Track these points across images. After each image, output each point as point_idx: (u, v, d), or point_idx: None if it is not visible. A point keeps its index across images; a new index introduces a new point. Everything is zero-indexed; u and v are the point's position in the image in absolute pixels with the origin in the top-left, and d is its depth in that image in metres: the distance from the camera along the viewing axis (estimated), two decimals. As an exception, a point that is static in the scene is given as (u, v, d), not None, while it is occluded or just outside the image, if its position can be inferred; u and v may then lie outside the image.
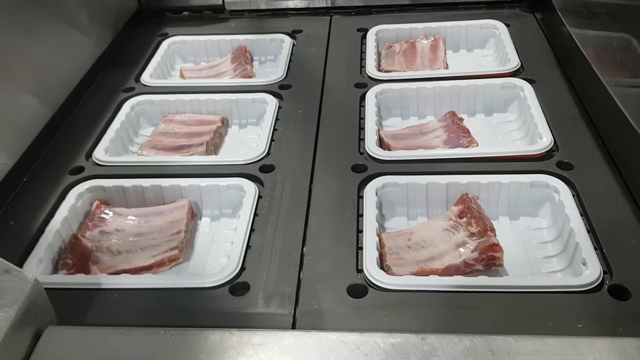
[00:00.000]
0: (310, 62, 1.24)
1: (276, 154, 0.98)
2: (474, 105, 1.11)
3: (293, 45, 1.31)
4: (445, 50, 1.26)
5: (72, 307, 0.73)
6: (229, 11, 1.45)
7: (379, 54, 1.27)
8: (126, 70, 1.24)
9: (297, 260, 0.79)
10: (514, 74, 1.13)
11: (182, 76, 1.27)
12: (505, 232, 0.86)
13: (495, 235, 0.80)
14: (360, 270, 0.76)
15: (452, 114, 1.06)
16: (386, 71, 1.20)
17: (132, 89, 1.18)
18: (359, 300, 0.72)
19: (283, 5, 1.44)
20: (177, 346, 0.59)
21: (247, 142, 1.09)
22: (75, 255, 0.83)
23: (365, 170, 0.93)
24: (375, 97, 1.09)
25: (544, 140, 0.95)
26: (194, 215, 0.92)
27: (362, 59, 1.23)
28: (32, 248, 0.82)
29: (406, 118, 1.13)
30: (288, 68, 1.22)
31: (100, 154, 0.99)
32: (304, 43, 1.31)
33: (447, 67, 1.21)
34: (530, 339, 0.57)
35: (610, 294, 0.71)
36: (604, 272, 0.73)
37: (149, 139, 1.08)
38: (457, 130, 1.02)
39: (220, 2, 1.44)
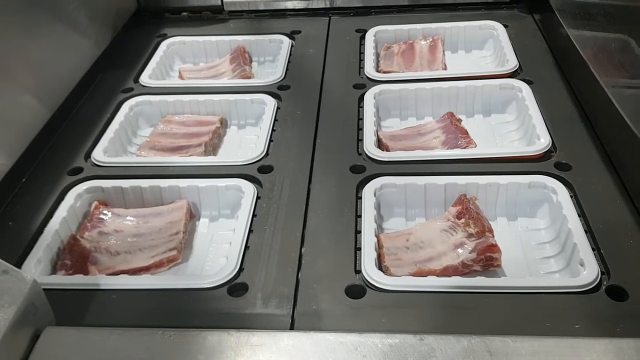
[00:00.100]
0: (309, 63, 1.24)
1: (275, 155, 0.98)
2: (472, 106, 1.12)
3: (292, 46, 1.31)
4: (443, 51, 1.26)
5: (70, 308, 0.73)
6: (227, 12, 1.46)
7: (377, 55, 1.27)
8: (125, 71, 1.24)
9: (295, 261, 0.79)
10: (512, 75, 1.14)
11: (181, 77, 1.27)
12: (503, 232, 0.87)
13: (493, 236, 0.80)
14: (358, 271, 0.76)
15: (451, 114, 1.07)
16: (385, 72, 1.20)
17: (131, 89, 1.18)
18: (357, 301, 0.72)
19: (282, 6, 1.44)
20: (175, 347, 0.59)
21: (246, 143, 1.09)
22: (74, 255, 0.83)
23: (364, 171, 0.93)
24: (374, 98, 1.09)
25: (542, 141, 0.95)
26: (192, 216, 0.92)
27: (361, 59, 1.24)
28: (31, 249, 0.82)
29: (404, 119, 1.13)
30: (287, 69, 1.22)
31: (99, 154, 0.99)
32: (303, 44, 1.32)
33: (445, 68, 1.21)
34: (528, 340, 0.57)
35: (607, 294, 0.71)
36: (602, 273, 0.74)
37: (148, 139, 1.08)
38: (456, 131, 1.02)
39: (219, 3, 1.44)
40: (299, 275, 0.77)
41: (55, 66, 1.09)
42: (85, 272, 0.82)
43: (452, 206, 0.88)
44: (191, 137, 1.06)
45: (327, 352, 0.57)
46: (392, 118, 1.13)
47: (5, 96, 0.93)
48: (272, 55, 1.32)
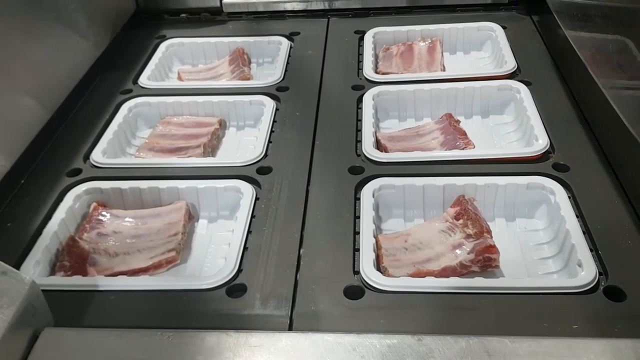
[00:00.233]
0: (307, 64, 1.24)
1: (273, 156, 0.98)
2: (471, 107, 1.12)
3: (290, 47, 1.31)
4: (442, 53, 1.26)
5: (69, 309, 0.73)
6: (226, 13, 1.46)
7: (376, 56, 1.28)
8: (124, 72, 1.24)
9: (294, 261, 0.79)
10: (510, 76, 1.14)
11: (179, 78, 1.27)
12: (501, 233, 0.87)
13: (491, 237, 0.80)
14: (357, 272, 0.77)
15: (449, 116, 1.07)
16: (383, 73, 1.20)
17: (130, 91, 1.18)
18: (355, 301, 0.73)
19: (281, 7, 1.45)
20: (174, 348, 0.59)
21: (245, 144, 1.09)
22: (73, 257, 0.83)
23: (362, 172, 0.93)
24: (373, 99, 1.09)
25: (540, 142, 0.95)
26: (191, 217, 0.92)
27: (360, 61, 1.24)
28: (30, 250, 0.82)
29: (403, 120, 1.13)
30: (285, 70, 1.22)
31: (97, 156, 0.99)
32: (302, 45, 1.32)
33: (444, 70, 1.22)
34: (526, 340, 0.57)
35: (605, 295, 0.71)
36: (600, 274, 0.74)
37: (147, 141, 1.08)
38: (454, 132, 1.02)
39: (218, 4, 1.44)
40: (298, 276, 0.77)
41: (54, 67, 1.09)
42: (84, 273, 0.82)
43: (451, 207, 0.88)
44: (190, 139, 1.06)
45: (326, 352, 0.57)
46: (390, 119, 1.13)
47: (4, 97, 0.93)
48: (271, 56, 1.33)
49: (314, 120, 1.07)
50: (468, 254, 0.80)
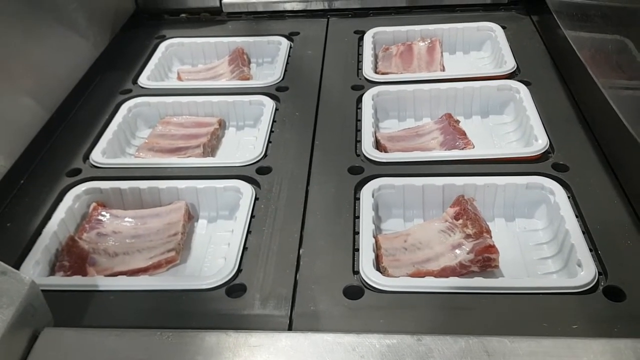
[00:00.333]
0: (307, 64, 1.24)
1: (273, 156, 0.98)
2: (470, 107, 1.12)
3: (290, 47, 1.31)
4: (441, 53, 1.26)
5: (69, 309, 0.73)
6: (226, 13, 1.46)
7: (375, 56, 1.28)
8: (123, 73, 1.24)
9: (293, 261, 0.79)
10: (510, 76, 1.14)
11: (179, 78, 1.27)
12: (501, 233, 0.87)
13: (491, 237, 0.81)
14: (356, 272, 0.77)
15: (449, 116, 1.07)
16: (383, 73, 1.20)
17: (130, 91, 1.18)
18: (355, 301, 0.73)
19: (280, 7, 1.45)
20: (173, 348, 0.59)
21: (244, 144, 1.09)
22: (72, 257, 0.83)
23: (362, 172, 0.93)
24: (372, 99, 1.09)
25: (540, 142, 0.95)
26: (190, 217, 0.92)
27: (359, 61, 1.24)
28: (29, 250, 0.82)
29: (403, 120, 1.13)
30: (285, 70, 1.22)
31: (97, 156, 0.99)
32: (301, 45, 1.32)
33: (443, 70, 1.22)
34: (525, 340, 0.57)
35: (605, 295, 0.71)
36: (599, 274, 0.74)
37: (146, 141, 1.08)
38: (454, 132, 1.02)
39: (218, 4, 1.45)
40: (297, 276, 0.77)
41: (54, 67, 1.09)
42: (84, 273, 0.82)
43: (450, 207, 0.88)
44: (190, 139, 1.06)
45: (325, 352, 0.57)
46: (390, 119, 1.13)
47: (3, 97, 0.93)
48: (271, 56, 1.33)
49: (314, 120, 1.07)
50: (467, 254, 0.80)
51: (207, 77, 1.27)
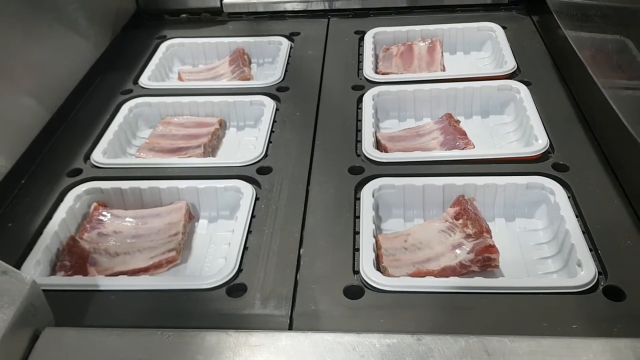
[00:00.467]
0: (307, 65, 1.24)
1: (273, 156, 0.99)
2: (471, 108, 1.12)
3: (291, 47, 1.31)
4: (442, 53, 1.26)
5: (69, 309, 0.73)
6: (227, 14, 1.46)
7: (376, 57, 1.28)
8: (124, 73, 1.24)
9: (294, 261, 0.79)
10: (510, 76, 1.14)
11: (180, 78, 1.27)
12: (501, 233, 0.87)
13: (491, 237, 0.81)
14: (356, 272, 0.77)
15: (449, 116, 1.07)
16: (383, 73, 1.20)
17: (130, 91, 1.19)
18: (355, 301, 0.73)
19: (281, 7, 1.45)
20: (174, 347, 0.59)
21: (245, 144, 1.09)
22: (73, 257, 0.84)
23: (362, 172, 0.93)
24: (373, 99, 1.09)
25: (540, 142, 0.95)
26: (191, 217, 0.92)
27: (360, 61, 1.24)
28: (30, 250, 0.82)
29: (403, 120, 1.13)
30: (286, 70, 1.22)
31: (98, 156, 1.00)
32: (302, 45, 1.32)
33: (444, 70, 1.22)
34: (525, 340, 0.57)
35: (605, 295, 0.71)
36: (599, 273, 0.74)
37: (147, 141, 1.08)
38: (454, 132, 1.02)
39: (218, 5, 1.45)
40: (298, 276, 0.77)
41: (55, 68, 1.09)
42: (85, 273, 0.82)
43: (450, 207, 0.88)
44: (190, 139, 1.07)
45: (326, 352, 0.57)
46: (390, 119, 1.13)
47: (4, 97, 0.93)
48: (271, 56, 1.33)
49: (314, 121, 1.07)
50: (468, 253, 0.80)
51: (208, 78, 1.27)
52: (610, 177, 0.89)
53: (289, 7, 1.45)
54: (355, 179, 0.92)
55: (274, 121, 1.07)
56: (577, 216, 0.82)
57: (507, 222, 0.89)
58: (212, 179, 0.94)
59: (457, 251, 0.81)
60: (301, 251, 0.81)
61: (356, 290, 0.74)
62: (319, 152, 0.99)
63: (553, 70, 1.16)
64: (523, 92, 1.08)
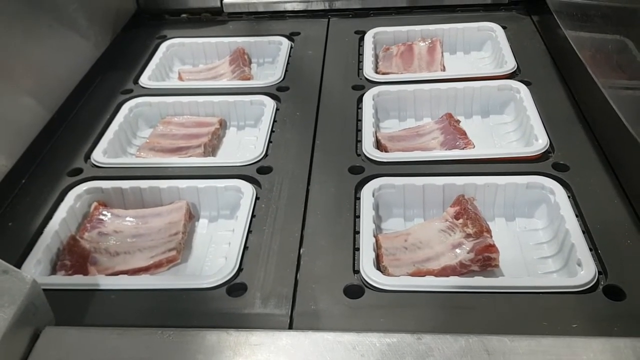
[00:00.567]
0: (308, 64, 1.25)
1: (274, 156, 0.99)
2: (471, 107, 1.12)
3: (291, 47, 1.31)
4: (442, 53, 1.26)
5: (70, 308, 0.73)
6: (227, 14, 1.46)
7: (376, 56, 1.28)
8: (124, 73, 1.24)
9: (294, 261, 0.79)
10: (510, 76, 1.14)
11: (180, 78, 1.27)
12: (501, 233, 0.87)
13: (491, 236, 0.81)
14: (356, 271, 0.77)
15: (449, 115, 1.07)
16: (383, 73, 1.20)
17: (131, 91, 1.19)
18: (355, 300, 0.73)
19: (281, 7, 1.45)
20: (174, 346, 0.59)
21: (245, 144, 1.09)
22: (74, 256, 0.84)
23: (363, 171, 0.93)
24: (373, 99, 1.10)
25: (540, 142, 0.95)
26: (191, 216, 0.92)
27: (360, 61, 1.24)
28: (31, 249, 0.82)
29: (403, 120, 1.13)
30: (286, 70, 1.22)
31: (98, 155, 1.00)
32: (302, 45, 1.32)
33: (444, 70, 1.22)
34: (525, 339, 0.57)
35: (605, 294, 0.71)
36: (599, 273, 0.74)
37: (147, 140, 1.08)
38: (454, 132, 1.02)
39: (219, 5, 1.45)
40: (298, 275, 0.77)
41: (55, 67, 1.09)
42: (85, 273, 0.82)
43: (451, 207, 0.88)
44: (190, 138, 1.07)
45: (326, 351, 0.57)
46: (390, 119, 1.13)
47: (5, 97, 0.93)
48: (272, 56, 1.33)
49: (314, 120, 1.07)
50: (468, 253, 0.80)
51: (208, 77, 1.27)
52: (610, 177, 0.89)
53: (289, 7, 1.45)
54: (356, 179, 0.92)
55: (274, 121, 1.07)
56: (577, 216, 0.82)
57: (507, 221, 0.90)
58: (212, 178, 0.94)
59: (457, 250, 0.81)
60: (301, 251, 0.81)
61: (356, 290, 0.74)
62: (319, 151, 0.99)
63: (553, 70, 1.16)
64: (523, 92, 1.08)
